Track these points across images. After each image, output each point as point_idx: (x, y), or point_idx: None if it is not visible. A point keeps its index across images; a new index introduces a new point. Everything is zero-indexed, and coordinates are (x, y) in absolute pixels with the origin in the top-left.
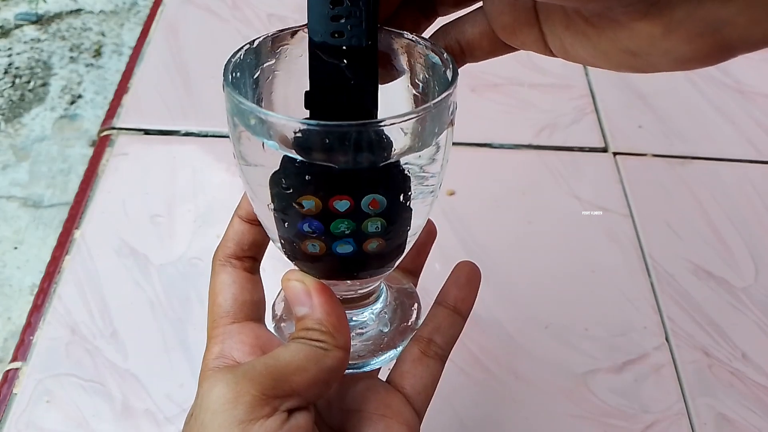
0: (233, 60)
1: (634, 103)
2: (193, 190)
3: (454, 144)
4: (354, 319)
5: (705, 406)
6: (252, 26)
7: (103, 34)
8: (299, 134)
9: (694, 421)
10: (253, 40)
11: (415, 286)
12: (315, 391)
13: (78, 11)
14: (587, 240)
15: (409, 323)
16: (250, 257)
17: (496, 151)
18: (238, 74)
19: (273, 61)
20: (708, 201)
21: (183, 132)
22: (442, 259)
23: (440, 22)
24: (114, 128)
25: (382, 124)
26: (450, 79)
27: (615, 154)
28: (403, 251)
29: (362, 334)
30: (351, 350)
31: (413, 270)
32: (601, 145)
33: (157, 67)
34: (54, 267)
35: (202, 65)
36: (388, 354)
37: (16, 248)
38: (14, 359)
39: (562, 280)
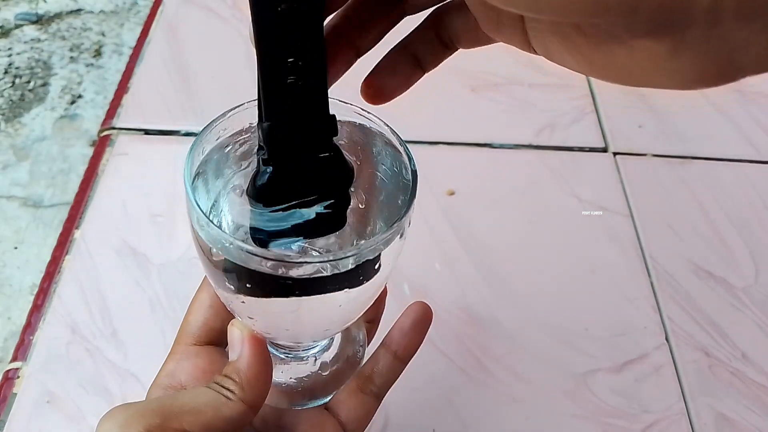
0: (192, 159)
1: (634, 102)
2: None
3: (454, 144)
4: (301, 358)
5: (705, 406)
6: None
7: (103, 34)
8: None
9: (694, 421)
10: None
11: (374, 333)
12: None
13: (78, 11)
14: (587, 240)
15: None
16: None
17: (496, 151)
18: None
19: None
20: (708, 201)
21: (183, 132)
22: (443, 259)
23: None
24: (114, 128)
25: (332, 260)
26: (408, 197)
27: (615, 154)
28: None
29: (302, 378)
30: (293, 389)
31: (372, 319)
32: (601, 144)
33: (157, 66)
34: (54, 267)
35: (202, 65)
36: (323, 400)
37: (16, 248)
38: (14, 359)
39: (562, 280)
